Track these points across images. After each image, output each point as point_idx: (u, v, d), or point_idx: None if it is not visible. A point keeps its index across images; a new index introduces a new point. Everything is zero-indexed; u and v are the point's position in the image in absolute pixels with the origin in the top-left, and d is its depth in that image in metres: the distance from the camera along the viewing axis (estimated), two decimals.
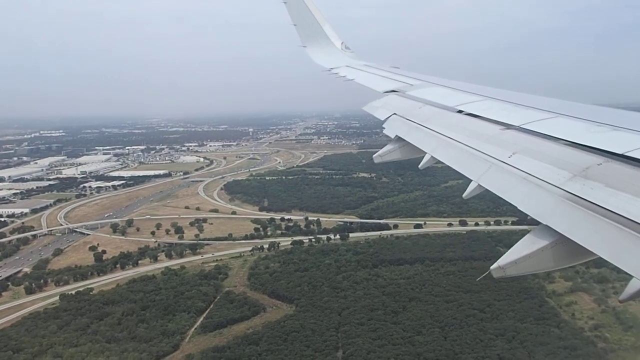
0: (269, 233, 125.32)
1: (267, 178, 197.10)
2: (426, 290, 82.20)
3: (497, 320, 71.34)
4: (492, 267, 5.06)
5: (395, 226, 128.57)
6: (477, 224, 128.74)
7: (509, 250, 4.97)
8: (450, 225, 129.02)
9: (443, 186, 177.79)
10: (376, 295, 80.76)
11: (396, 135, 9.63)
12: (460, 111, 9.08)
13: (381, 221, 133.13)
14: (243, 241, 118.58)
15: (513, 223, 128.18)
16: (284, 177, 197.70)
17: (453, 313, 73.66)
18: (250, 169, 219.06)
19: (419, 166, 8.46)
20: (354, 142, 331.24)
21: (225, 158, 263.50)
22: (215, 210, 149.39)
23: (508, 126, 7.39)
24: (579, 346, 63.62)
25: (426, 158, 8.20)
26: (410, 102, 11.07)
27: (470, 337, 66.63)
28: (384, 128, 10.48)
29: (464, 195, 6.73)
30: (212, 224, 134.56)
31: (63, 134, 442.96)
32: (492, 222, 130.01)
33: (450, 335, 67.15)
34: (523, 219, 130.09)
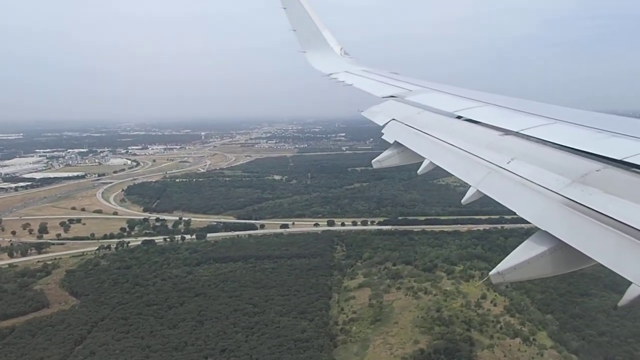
0: (133, 233, 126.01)
1: (177, 180, 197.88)
2: (220, 287, 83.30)
3: (261, 315, 72.49)
4: (491, 273, 5.01)
5: (262, 226, 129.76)
6: (343, 224, 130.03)
7: (508, 256, 4.96)
8: (316, 225, 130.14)
9: (345, 188, 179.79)
10: (167, 291, 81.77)
11: (395, 141, 9.60)
12: (459, 117, 9.07)
13: (250, 221, 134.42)
14: (102, 241, 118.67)
15: (380, 223, 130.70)
16: (194, 180, 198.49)
17: (225, 307, 74.79)
18: (167, 172, 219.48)
19: (418, 172, 8.42)
20: (297, 146, 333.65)
21: (154, 160, 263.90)
22: (99, 211, 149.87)
23: (507, 132, 7.39)
24: (312, 338, 64.89)
25: (425, 164, 8.18)
26: (410, 107, 11.02)
27: (217, 330, 67.77)
28: (383, 133, 10.42)
29: (462, 201, 6.72)
30: (84, 224, 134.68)
31: (20, 137, 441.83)
32: (359, 222, 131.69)
33: (199, 329, 68.25)
34: (394, 219, 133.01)
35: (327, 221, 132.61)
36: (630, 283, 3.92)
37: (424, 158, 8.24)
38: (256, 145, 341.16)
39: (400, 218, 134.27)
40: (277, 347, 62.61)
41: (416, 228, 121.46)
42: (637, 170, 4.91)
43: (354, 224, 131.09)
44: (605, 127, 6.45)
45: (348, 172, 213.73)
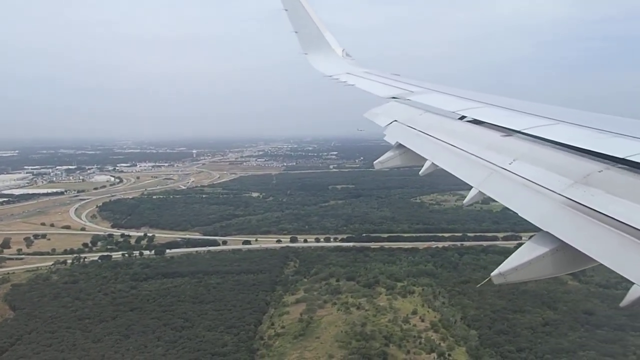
0: (94, 248, 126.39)
1: (154, 197, 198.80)
2: (158, 301, 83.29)
3: (190, 329, 72.44)
4: (492, 274, 4.97)
5: (225, 242, 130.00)
6: (305, 241, 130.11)
7: (510, 257, 4.97)
8: (279, 241, 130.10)
9: (319, 206, 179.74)
10: (104, 305, 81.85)
11: (397, 142, 9.62)
12: (461, 118, 9.08)
13: (213, 237, 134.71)
14: (61, 256, 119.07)
15: (342, 240, 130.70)
16: (171, 196, 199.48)
17: (155, 322, 74.79)
18: (147, 189, 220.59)
19: (420, 173, 8.37)
20: (285, 164, 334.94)
21: (138, 178, 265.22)
22: (68, 227, 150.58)
23: (509, 133, 7.40)
24: (231, 352, 64.83)
25: (427, 165, 8.12)
26: (411, 109, 11.03)
27: (139, 344, 67.76)
28: (385, 135, 10.46)
29: (464, 202, 6.67)
30: (49, 239, 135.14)
31: (15, 154, 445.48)
32: (322, 239, 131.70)
33: (122, 343, 68.23)
34: (358, 236, 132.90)
35: (290, 238, 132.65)
36: (632, 284, 3.92)
37: (426, 159, 8.22)
38: (244, 163, 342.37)
39: (364, 235, 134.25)
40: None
41: (374, 245, 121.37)
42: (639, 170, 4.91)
43: (317, 240, 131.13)
44: (607, 127, 6.45)
45: (328, 189, 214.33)
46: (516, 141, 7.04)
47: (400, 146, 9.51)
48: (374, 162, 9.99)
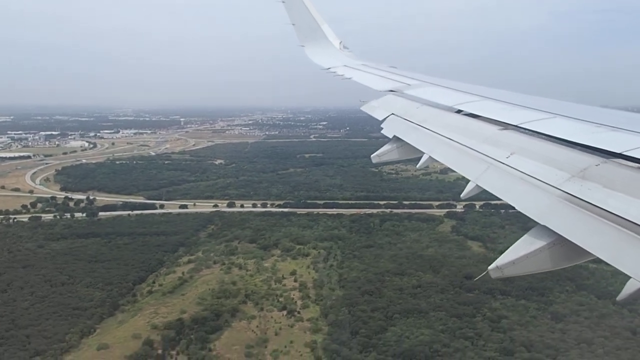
0: (32, 210, 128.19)
1: (117, 162, 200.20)
2: (54, 260, 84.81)
3: (69, 285, 73.86)
4: (489, 268, 5.00)
5: (162, 206, 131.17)
6: (242, 206, 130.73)
7: (507, 250, 4.99)
8: (215, 206, 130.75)
9: (276, 173, 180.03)
10: (0, 262, 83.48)
11: (394, 135, 9.65)
12: (458, 111, 9.11)
13: (151, 201, 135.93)
14: None
15: (279, 206, 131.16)
16: (134, 162, 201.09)
17: (39, 278, 76.20)
18: (115, 154, 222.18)
19: (417, 166, 8.55)
20: (267, 133, 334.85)
21: (113, 144, 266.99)
22: (17, 189, 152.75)
23: (506, 126, 7.44)
24: (93, 307, 66.13)
25: (424, 158, 8.19)
26: (408, 102, 11.09)
27: (8, 298, 69.28)
28: (382, 128, 10.46)
29: (461, 196, 6.71)
30: None
31: (8, 119, 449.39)
32: (259, 205, 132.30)
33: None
34: (296, 202, 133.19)
35: (228, 203, 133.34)
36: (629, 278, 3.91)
37: (423, 153, 8.24)
38: (227, 132, 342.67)
39: (302, 201, 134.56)
40: (50, 314, 63.88)
41: (301, 211, 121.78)
42: (637, 164, 4.89)
43: (254, 206, 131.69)
44: (604, 121, 6.46)
45: (295, 158, 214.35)
46: (513, 135, 7.01)
47: (397, 139, 9.46)
48: (371, 156, 9.93)
